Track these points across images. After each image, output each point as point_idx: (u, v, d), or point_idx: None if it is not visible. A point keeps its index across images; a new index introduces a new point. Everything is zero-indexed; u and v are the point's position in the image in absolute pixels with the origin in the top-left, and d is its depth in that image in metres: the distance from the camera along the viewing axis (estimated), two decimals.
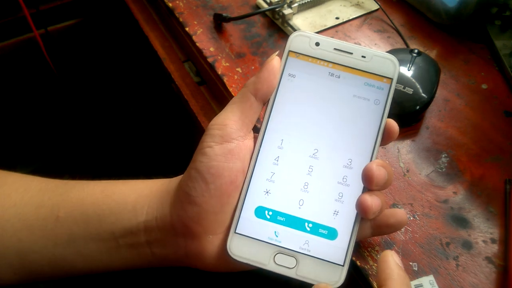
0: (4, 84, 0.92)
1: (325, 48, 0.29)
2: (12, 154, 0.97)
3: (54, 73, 0.72)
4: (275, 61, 0.28)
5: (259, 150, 0.29)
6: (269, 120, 0.29)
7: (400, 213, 0.29)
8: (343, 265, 0.27)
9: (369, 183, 0.26)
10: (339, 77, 0.29)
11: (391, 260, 0.24)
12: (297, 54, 0.29)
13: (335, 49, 0.29)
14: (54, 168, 0.99)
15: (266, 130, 0.29)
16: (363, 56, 0.29)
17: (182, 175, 0.29)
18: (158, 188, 0.29)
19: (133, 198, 0.29)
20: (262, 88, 0.28)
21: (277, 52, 0.29)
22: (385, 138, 0.29)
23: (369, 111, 0.29)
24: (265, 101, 0.29)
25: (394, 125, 0.28)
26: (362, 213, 0.26)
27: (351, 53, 0.29)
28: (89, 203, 0.29)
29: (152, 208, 0.28)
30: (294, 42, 0.29)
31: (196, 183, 0.27)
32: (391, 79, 0.29)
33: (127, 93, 1.13)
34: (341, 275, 0.27)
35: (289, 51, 0.29)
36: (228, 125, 0.28)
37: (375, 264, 0.33)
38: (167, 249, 0.28)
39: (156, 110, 0.98)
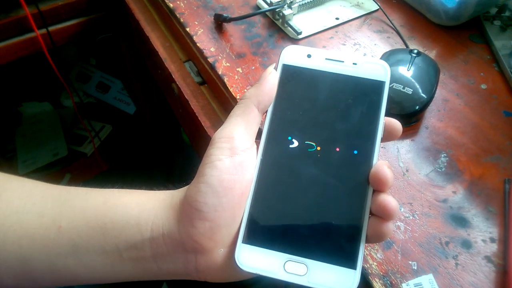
0: (4, 84, 0.93)
1: (317, 58, 0.30)
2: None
3: (55, 73, 0.72)
4: (273, 74, 0.29)
5: (260, 159, 0.29)
6: (268, 129, 0.29)
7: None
8: (355, 269, 0.26)
9: (384, 186, 0.26)
10: (333, 84, 0.30)
11: None
12: (291, 66, 0.30)
13: (326, 58, 0.30)
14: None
15: (266, 138, 0.29)
16: (354, 63, 0.30)
17: (184, 188, 0.29)
18: (161, 203, 0.29)
19: (136, 212, 0.28)
20: (264, 100, 0.29)
21: (273, 65, 0.30)
22: (389, 136, 0.29)
23: (365, 114, 0.29)
24: (264, 112, 0.30)
25: (397, 124, 0.29)
26: (391, 216, 0.26)
27: (342, 61, 0.30)
28: (91, 214, 0.29)
29: (157, 225, 0.28)
30: (287, 56, 0.30)
31: (207, 198, 0.26)
32: (384, 81, 0.29)
33: (126, 92, 1.13)
34: (354, 280, 0.26)
35: (283, 64, 0.30)
36: (236, 137, 0.28)
37: (375, 263, 0.33)
38: (176, 265, 0.28)
39: (156, 109, 0.99)
